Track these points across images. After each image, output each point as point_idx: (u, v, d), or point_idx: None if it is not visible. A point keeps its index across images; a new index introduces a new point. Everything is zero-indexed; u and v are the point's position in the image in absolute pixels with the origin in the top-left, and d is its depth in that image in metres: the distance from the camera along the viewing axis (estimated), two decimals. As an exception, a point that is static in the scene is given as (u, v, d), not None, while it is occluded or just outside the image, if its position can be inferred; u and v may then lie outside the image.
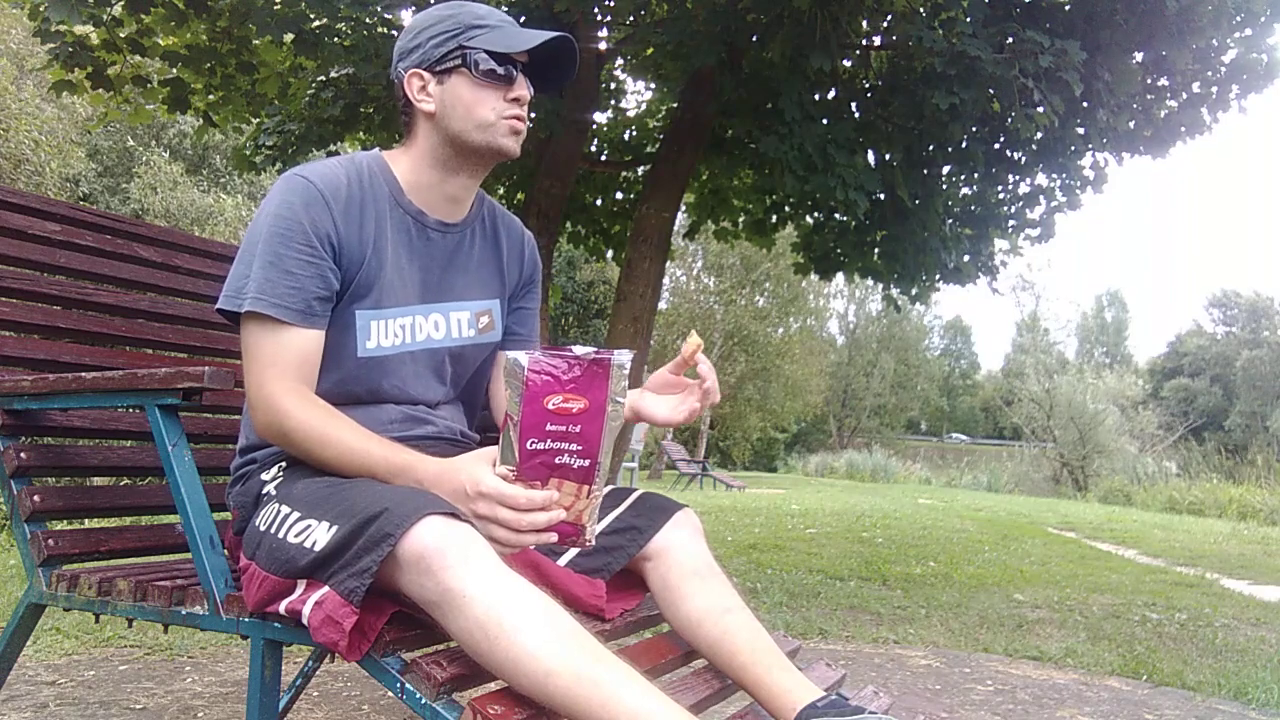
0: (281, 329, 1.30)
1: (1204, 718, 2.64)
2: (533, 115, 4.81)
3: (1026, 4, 4.52)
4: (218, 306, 1.34)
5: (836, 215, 6.12)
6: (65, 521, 1.61)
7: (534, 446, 1.11)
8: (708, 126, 5.64)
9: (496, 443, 1.16)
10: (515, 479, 1.12)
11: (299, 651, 2.34)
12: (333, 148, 5.95)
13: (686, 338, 1.38)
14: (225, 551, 1.39)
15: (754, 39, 5.01)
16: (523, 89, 1.40)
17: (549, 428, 1.10)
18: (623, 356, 1.12)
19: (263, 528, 1.25)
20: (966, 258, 6.04)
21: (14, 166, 13.58)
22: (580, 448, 1.11)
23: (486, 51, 1.36)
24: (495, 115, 1.38)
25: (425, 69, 1.39)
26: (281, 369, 1.30)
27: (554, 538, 1.15)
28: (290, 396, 1.29)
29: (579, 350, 1.11)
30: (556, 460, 1.12)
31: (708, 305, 26.77)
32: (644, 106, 7.30)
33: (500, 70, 1.37)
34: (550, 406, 1.09)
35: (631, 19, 5.62)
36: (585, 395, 1.10)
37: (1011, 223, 6.11)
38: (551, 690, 1.03)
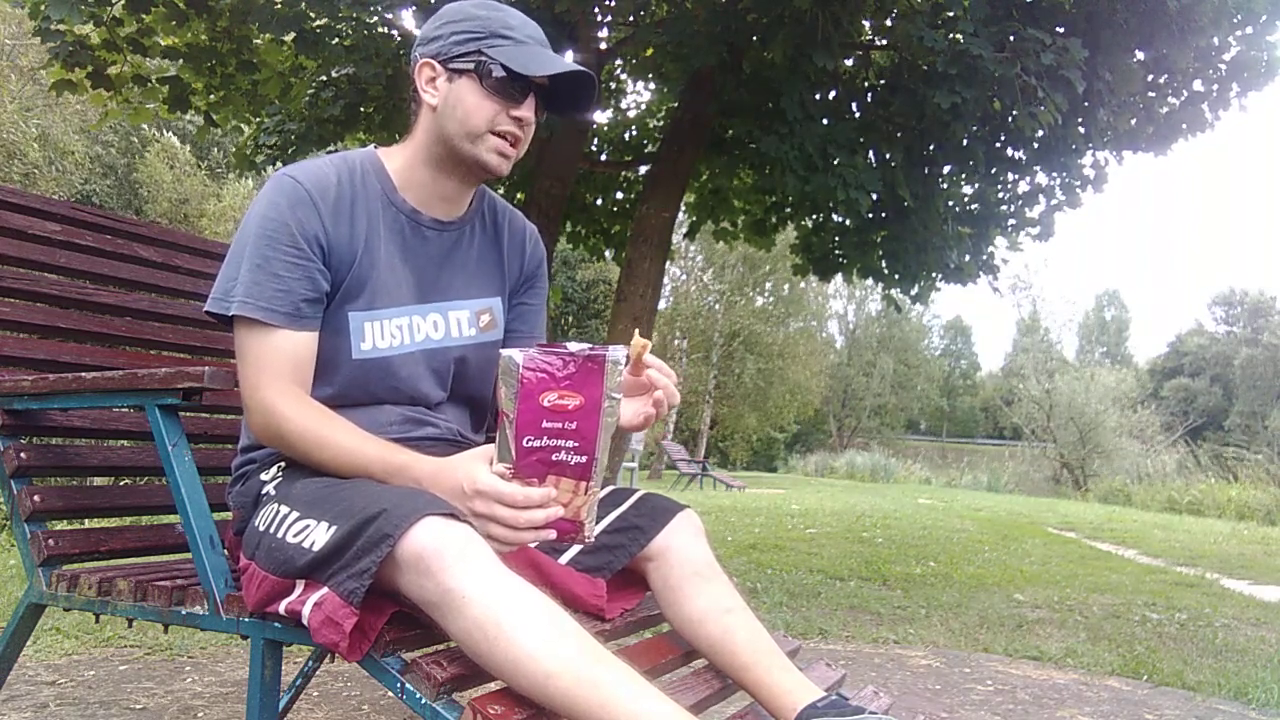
0: (271, 332, 1.30)
1: (1204, 718, 2.64)
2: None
3: (1027, 3, 4.51)
4: (206, 309, 1.33)
5: (836, 216, 6.12)
6: (65, 521, 1.61)
7: (530, 444, 1.10)
8: (708, 126, 5.64)
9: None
10: (512, 476, 1.12)
11: (299, 651, 2.34)
12: (333, 147, 5.95)
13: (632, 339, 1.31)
14: (225, 551, 1.39)
15: (754, 39, 5.01)
16: (528, 110, 1.37)
17: (545, 425, 1.10)
18: (618, 353, 1.12)
19: (262, 528, 1.25)
20: (967, 257, 6.05)
21: (7, 159, 13.61)
22: (577, 444, 1.11)
23: (503, 65, 1.33)
24: (488, 128, 1.35)
25: (439, 61, 1.37)
26: (274, 372, 1.30)
27: (552, 535, 1.14)
28: (284, 399, 1.29)
29: (574, 347, 1.11)
30: (553, 457, 1.11)
31: (708, 305, 26.77)
32: (644, 106, 7.30)
33: (511, 86, 1.34)
34: (546, 404, 1.09)
35: (631, 19, 5.62)
36: (581, 392, 1.10)
37: (1011, 222, 6.11)
38: (551, 691, 1.03)
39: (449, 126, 1.37)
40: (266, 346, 1.30)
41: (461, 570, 1.04)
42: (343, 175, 1.38)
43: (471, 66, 1.35)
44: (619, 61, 6.69)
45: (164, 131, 18.73)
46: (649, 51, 5.99)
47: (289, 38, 4.88)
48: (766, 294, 27.80)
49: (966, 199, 6.13)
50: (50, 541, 1.47)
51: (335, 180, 1.36)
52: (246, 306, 1.28)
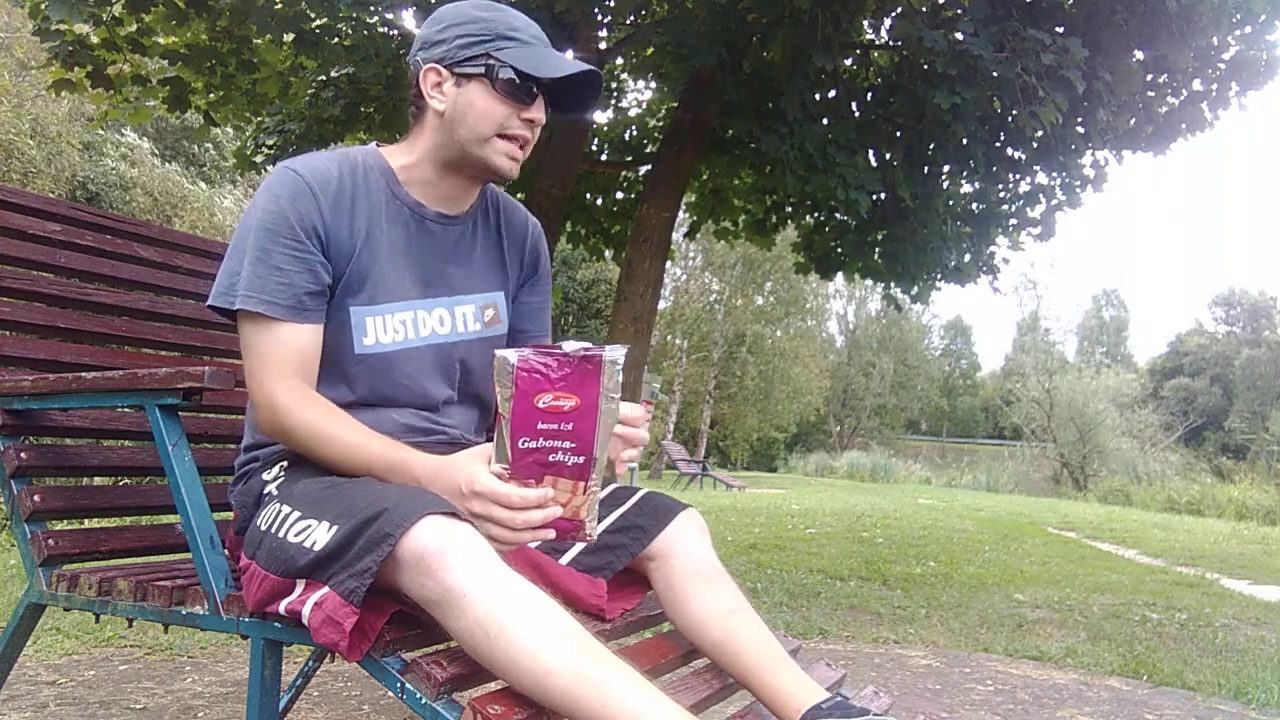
0: (275, 325, 1.29)
1: (1204, 718, 2.64)
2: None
3: (1027, 3, 4.52)
4: (209, 303, 1.33)
5: (837, 215, 6.13)
6: (65, 521, 1.61)
7: (526, 445, 1.10)
8: (708, 126, 5.64)
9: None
10: (510, 477, 1.11)
11: (299, 651, 2.34)
12: (333, 147, 5.94)
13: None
14: (225, 551, 1.39)
15: (755, 39, 5.01)
16: (539, 111, 1.37)
17: (540, 426, 1.09)
18: (615, 352, 1.10)
19: (263, 527, 1.25)
20: (968, 257, 6.05)
21: (5, 158, 13.59)
22: (574, 445, 1.11)
23: (513, 67, 1.33)
24: (499, 132, 1.35)
25: (445, 67, 1.35)
26: (279, 366, 1.30)
27: (551, 534, 1.14)
28: (289, 394, 1.28)
29: (569, 347, 1.10)
30: (550, 458, 1.11)
31: (708, 305, 26.78)
32: (644, 106, 7.30)
33: (521, 89, 1.34)
34: (541, 405, 1.09)
35: (632, 19, 5.62)
36: (577, 393, 1.09)
37: (1012, 221, 6.12)
38: (551, 690, 1.03)
39: (459, 131, 1.36)
40: (271, 340, 1.30)
41: (463, 569, 1.04)
42: (344, 169, 1.37)
43: (480, 70, 1.34)
44: (619, 61, 6.69)
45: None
46: (649, 51, 6.00)
47: (289, 38, 4.88)
48: (767, 294, 27.81)
49: (967, 199, 6.13)
50: (50, 541, 1.47)
51: (336, 174, 1.36)
52: (250, 300, 1.28)
